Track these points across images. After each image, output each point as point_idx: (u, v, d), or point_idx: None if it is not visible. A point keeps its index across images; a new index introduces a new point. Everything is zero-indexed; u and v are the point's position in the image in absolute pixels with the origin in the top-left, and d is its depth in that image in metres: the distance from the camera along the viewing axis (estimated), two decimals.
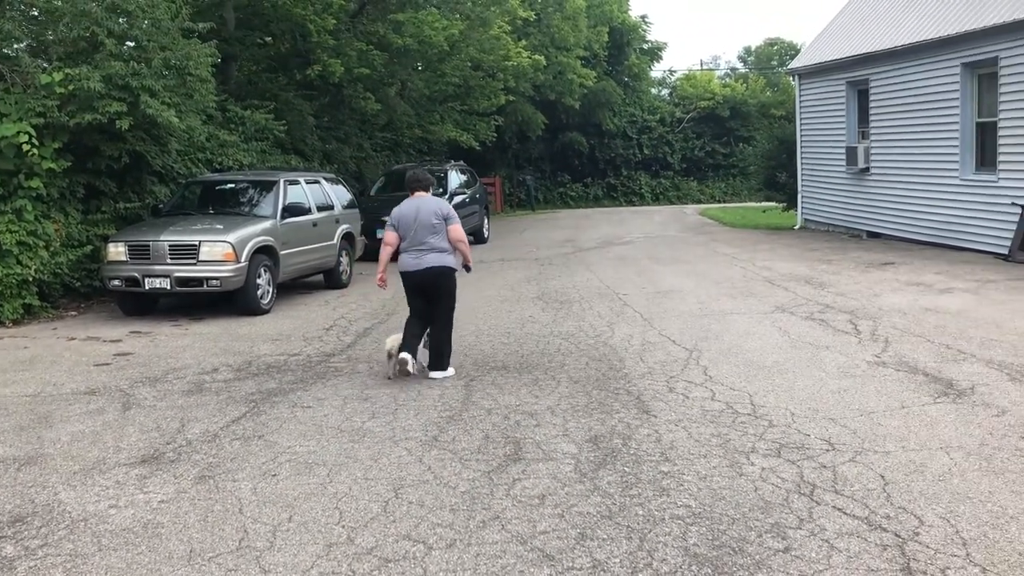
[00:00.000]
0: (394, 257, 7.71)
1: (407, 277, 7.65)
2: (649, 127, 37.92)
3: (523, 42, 27.92)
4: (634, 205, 36.57)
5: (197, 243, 11.01)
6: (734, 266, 14.46)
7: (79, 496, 5.09)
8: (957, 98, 14.89)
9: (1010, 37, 13.46)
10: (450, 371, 7.67)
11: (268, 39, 20.53)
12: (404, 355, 7.38)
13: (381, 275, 7.85)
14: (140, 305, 11.60)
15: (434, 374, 7.59)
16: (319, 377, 7.83)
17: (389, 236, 7.69)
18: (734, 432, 5.81)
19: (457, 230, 7.63)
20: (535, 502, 4.75)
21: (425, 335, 7.70)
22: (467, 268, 8.01)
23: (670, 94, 41.08)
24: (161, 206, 12.93)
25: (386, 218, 18.58)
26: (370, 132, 24.16)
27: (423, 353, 7.70)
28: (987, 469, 4.99)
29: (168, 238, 11.09)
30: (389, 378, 7.61)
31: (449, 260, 7.64)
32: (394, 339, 7.69)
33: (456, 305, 7.90)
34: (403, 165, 22.67)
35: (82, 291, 12.49)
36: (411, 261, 7.58)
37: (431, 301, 7.65)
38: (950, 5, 15.66)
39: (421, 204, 7.64)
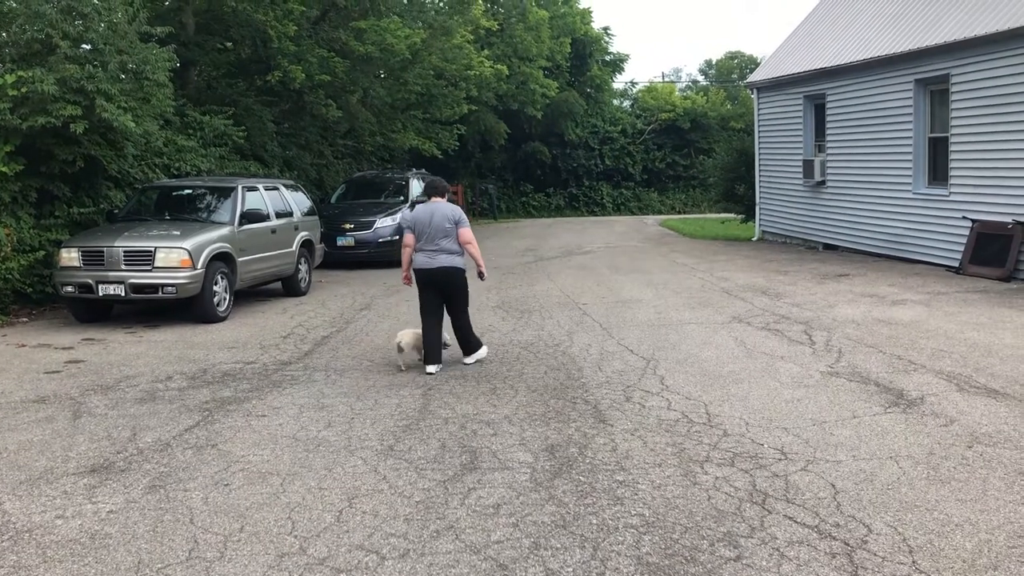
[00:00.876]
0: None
1: (420, 274, 8.27)
2: (611, 138, 38.20)
3: (486, 52, 28.02)
4: (595, 215, 36.78)
5: (152, 249, 10.86)
6: (692, 276, 14.59)
7: (25, 506, 4.99)
8: (910, 113, 15.20)
9: (961, 55, 13.77)
10: (483, 351, 8.53)
11: (228, 44, 20.34)
12: (432, 368, 8.10)
13: (405, 275, 8.55)
14: (93, 312, 11.42)
15: (467, 359, 8.41)
16: (275, 386, 7.76)
17: (408, 238, 8.36)
18: (689, 441, 5.85)
19: (466, 233, 8.28)
20: (490, 511, 4.75)
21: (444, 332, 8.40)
22: (480, 276, 8.61)
23: (632, 106, 41.43)
24: (116, 211, 12.74)
25: (347, 225, 18.56)
26: (331, 139, 24.04)
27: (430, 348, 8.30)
28: (934, 478, 5.08)
29: (123, 244, 10.92)
30: (401, 369, 8.23)
31: (459, 261, 8.28)
32: (404, 334, 8.36)
33: (468, 301, 8.50)
34: (364, 172, 22.59)
35: (34, 297, 12.26)
36: (424, 260, 8.22)
37: (447, 298, 8.35)
38: (904, 22, 15.99)
39: (436, 209, 8.28)
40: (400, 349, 8.24)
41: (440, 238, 8.16)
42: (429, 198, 8.49)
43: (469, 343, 8.45)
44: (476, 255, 8.40)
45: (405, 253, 8.39)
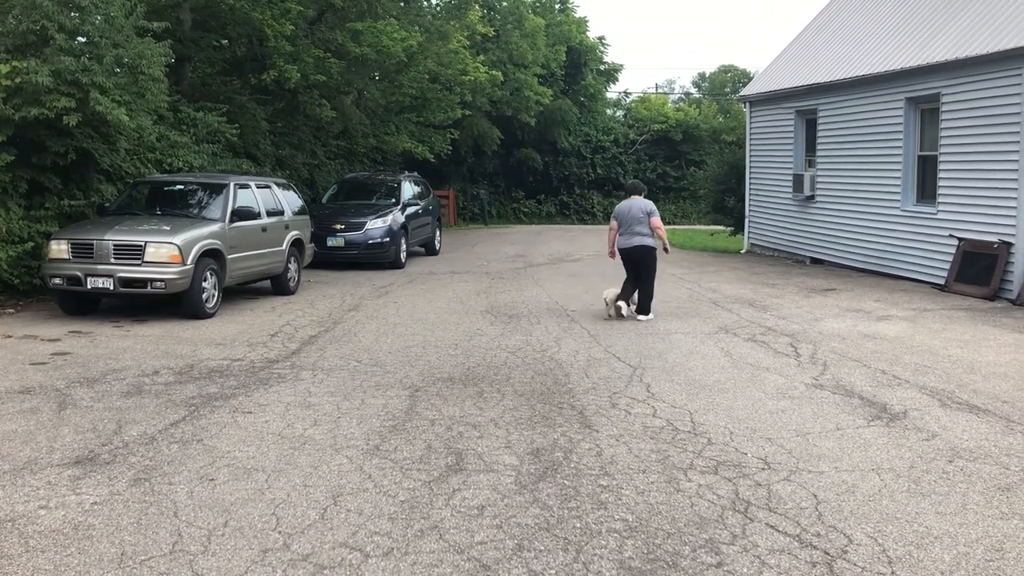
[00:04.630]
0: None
1: (622, 252, 11.32)
2: (603, 147, 38.29)
3: (481, 57, 28.06)
4: (586, 223, 36.82)
5: (143, 243, 10.84)
6: (681, 287, 14.64)
7: (8, 496, 4.98)
8: (901, 131, 15.32)
9: (952, 75, 13.91)
10: (651, 316, 11.18)
11: (224, 42, 20.32)
12: (621, 303, 11.14)
13: (610, 250, 11.67)
14: (81, 304, 11.39)
15: (641, 317, 11.16)
16: (262, 383, 7.76)
17: (613, 224, 11.46)
18: (673, 449, 5.89)
19: (656, 221, 11.21)
20: (474, 512, 4.77)
21: (634, 294, 11.31)
22: (665, 250, 11.56)
23: (624, 116, 41.53)
24: (107, 205, 12.71)
25: (337, 226, 18.72)
26: (324, 139, 24.02)
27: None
28: (915, 491, 5.13)
29: (113, 237, 10.90)
30: (608, 318, 11.17)
31: (649, 241, 11.18)
32: (608, 292, 11.41)
33: (655, 273, 11.34)
34: (356, 174, 22.58)
35: (21, 288, 12.22)
36: (624, 241, 11.25)
37: (638, 269, 11.20)
38: (896, 41, 16.12)
39: (633, 203, 11.28)
40: (607, 303, 11.33)
41: (636, 225, 11.09)
42: (629, 196, 11.45)
43: (647, 305, 11.23)
44: (663, 236, 11.33)
45: (610, 235, 11.56)
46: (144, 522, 4.62)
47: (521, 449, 5.87)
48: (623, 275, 11.61)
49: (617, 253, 11.43)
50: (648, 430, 6.32)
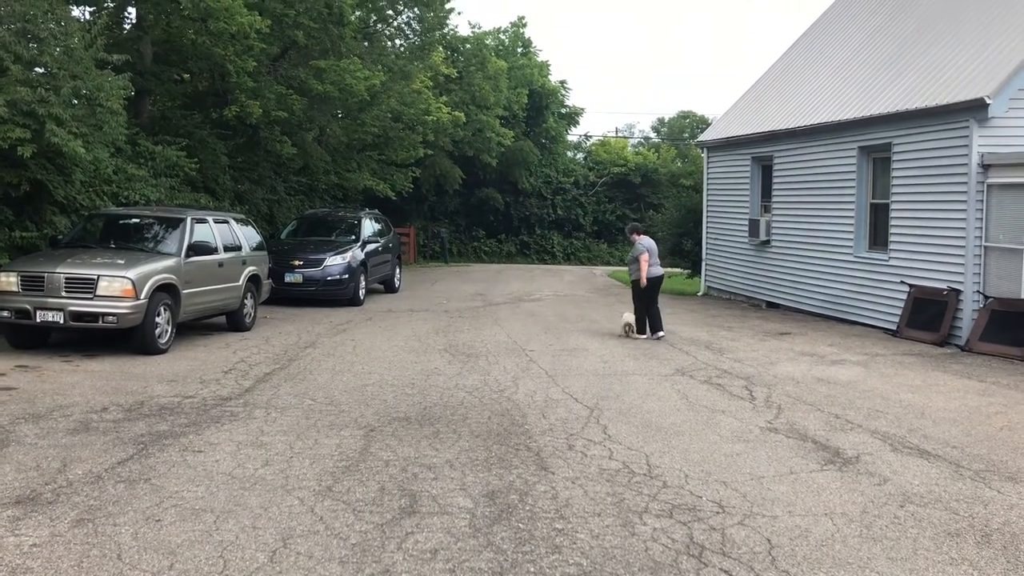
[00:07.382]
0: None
1: (656, 279, 13.60)
2: (563, 188, 38.67)
3: (444, 98, 28.27)
4: (546, 263, 37.01)
5: (95, 277, 10.66)
6: None
7: None
8: (854, 179, 15.66)
9: (903, 125, 14.28)
10: (663, 334, 13.45)
11: (185, 76, 20.23)
12: (661, 333, 13.45)
13: (643, 278, 13.50)
14: (29, 338, 11.14)
15: (660, 334, 13.36)
16: (213, 421, 7.62)
17: (646, 256, 13.44)
18: (629, 492, 5.88)
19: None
20: (427, 556, 4.71)
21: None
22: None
23: (585, 158, 42.04)
24: (60, 237, 12.48)
25: (295, 262, 18.56)
26: (285, 175, 23.93)
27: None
28: (867, 536, 5.17)
29: (64, 270, 10.70)
30: (622, 336, 13.47)
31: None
32: (627, 316, 13.63)
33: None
34: (316, 210, 22.49)
35: None
36: (656, 271, 13.64)
37: (655, 293, 13.63)
38: (850, 90, 16.54)
39: (653, 240, 14.20)
40: (625, 323, 13.50)
41: (659, 257, 13.85)
42: (641, 235, 13.91)
43: (662, 324, 13.60)
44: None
45: (645, 267, 13.42)
46: (86, 565, 4.48)
47: (476, 491, 5.82)
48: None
49: (645, 281, 13.55)
50: (604, 472, 6.31)
